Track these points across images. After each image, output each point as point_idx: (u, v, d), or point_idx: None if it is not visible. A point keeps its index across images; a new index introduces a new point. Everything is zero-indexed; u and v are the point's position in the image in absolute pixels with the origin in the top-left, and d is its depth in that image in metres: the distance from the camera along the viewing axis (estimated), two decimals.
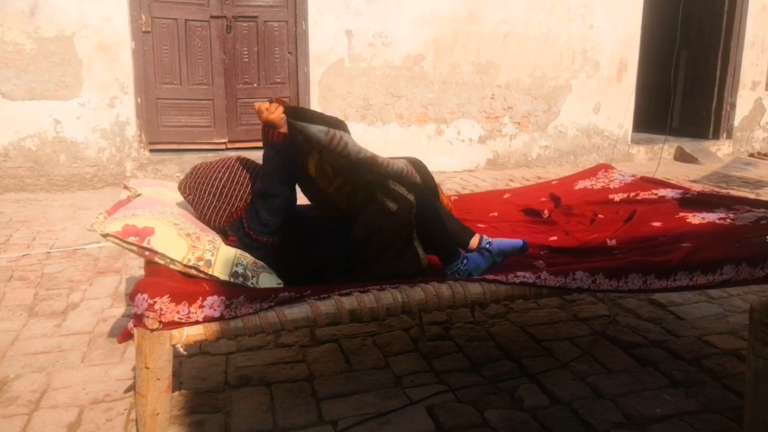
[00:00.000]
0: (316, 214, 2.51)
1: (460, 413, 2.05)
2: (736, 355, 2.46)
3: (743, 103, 7.87)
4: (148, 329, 1.63)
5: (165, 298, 1.64)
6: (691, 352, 2.48)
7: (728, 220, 2.49)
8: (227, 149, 5.93)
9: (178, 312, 1.66)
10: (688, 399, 2.14)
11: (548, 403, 2.12)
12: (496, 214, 2.99)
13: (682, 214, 2.60)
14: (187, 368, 2.35)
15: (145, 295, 1.64)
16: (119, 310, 2.92)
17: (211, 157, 5.61)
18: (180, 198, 2.26)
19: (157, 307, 1.63)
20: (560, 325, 2.74)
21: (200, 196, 2.14)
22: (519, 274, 2.02)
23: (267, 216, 2.07)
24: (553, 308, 2.92)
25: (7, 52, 5.13)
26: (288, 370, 2.35)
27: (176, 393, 2.15)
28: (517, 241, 2.31)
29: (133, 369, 2.33)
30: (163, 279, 1.78)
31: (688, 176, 6.34)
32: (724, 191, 5.21)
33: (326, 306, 1.82)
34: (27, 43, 5.16)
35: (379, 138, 6.23)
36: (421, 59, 6.26)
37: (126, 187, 2.47)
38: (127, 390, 2.20)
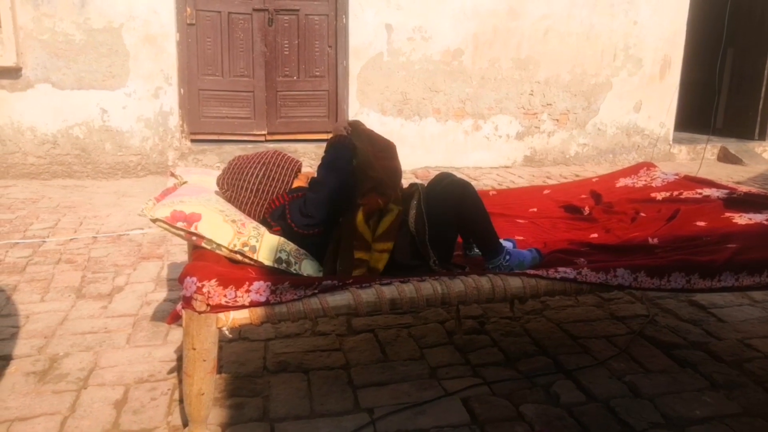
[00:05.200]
0: None
1: (495, 406, 2.06)
2: None
3: None
4: (196, 311, 1.68)
5: (213, 282, 1.69)
6: (732, 354, 2.44)
7: None
8: (266, 141, 6.01)
9: (225, 296, 1.71)
10: (728, 402, 2.11)
11: (584, 400, 2.12)
12: (535, 209, 2.98)
13: (728, 214, 2.55)
14: (227, 353, 2.41)
15: (194, 278, 1.69)
16: (162, 294, 3.01)
17: (250, 148, 5.71)
18: None
19: (205, 290, 1.68)
20: (597, 323, 2.72)
21: (237, 192, 2.19)
22: (560, 269, 2.02)
23: (312, 207, 2.11)
24: (589, 306, 2.90)
25: (57, 42, 5.29)
26: (325, 357, 2.39)
27: (216, 376, 2.20)
28: (533, 253, 2.29)
29: (176, 351, 2.41)
30: (210, 263, 1.83)
31: (731, 177, 6.18)
32: None
33: (367, 294, 1.85)
34: (77, 34, 5.32)
35: (415, 132, 6.24)
36: (460, 54, 6.24)
37: (173, 175, 2.54)
38: (171, 371, 2.27)
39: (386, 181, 2.15)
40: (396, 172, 2.24)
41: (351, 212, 2.06)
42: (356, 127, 2.27)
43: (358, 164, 2.12)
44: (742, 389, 2.19)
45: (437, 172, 2.38)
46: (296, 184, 2.27)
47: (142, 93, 5.55)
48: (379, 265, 2.07)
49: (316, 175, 2.21)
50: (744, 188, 3.02)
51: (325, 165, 2.18)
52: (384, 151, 2.24)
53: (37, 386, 2.16)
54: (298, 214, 2.11)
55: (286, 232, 2.13)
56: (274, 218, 2.17)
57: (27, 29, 5.22)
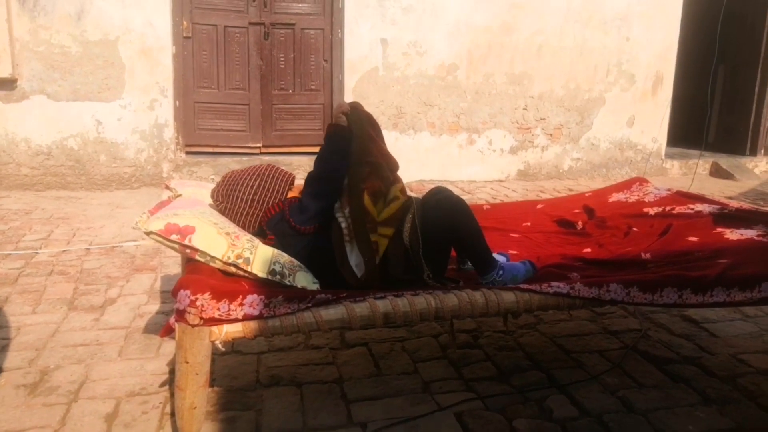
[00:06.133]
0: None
1: (489, 421, 2.06)
2: None
3: None
4: (189, 325, 1.68)
5: (206, 295, 1.69)
6: (725, 370, 2.45)
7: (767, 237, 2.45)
8: (261, 154, 6.02)
9: (218, 309, 1.70)
10: (721, 417, 2.11)
11: (577, 414, 2.11)
12: (529, 224, 2.99)
13: (719, 230, 2.57)
14: (220, 366, 2.40)
15: (188, 292, 1.69)
16: (154, 306, 2.99)
17: (245, 160, 5.72)
18: None
19: (198, 303, 1.68)
20: (590, 337, 2.73)
21: (233, 203, 2.20)
22: (553, 284, 2.03)
23: (308, 200, 2.16)
24: (583, 320, 2.90)
25: (54, 54, 5.30)
26: (318, 371, 2.38)
27: (209, 390, 2.19)
28: (526, 266, 2.31)
29: (168, 364, 2.40)
30: (204, 276, 1.83)
31: (723, 192, 6.23)
32: (762, 208, 5.10)
33: (361, 308, 1.85)
34: (73, 46, 5.34)
35: (410, 146, 6.27)
36: (454, 69, 6.29)
37: (167, 188, 2.54)
38: (162, 384, 2.26)
39: (384, 164, 2.19)
40: (390, 154, 2.29)
41: (356, 198, 2.10)
42: (356, 108, 2.27)
43: (354, 151, 2.15)
44: (734, 404, 2.19)
45: (432, 186, 2.40)
46: (290, 195, 2.28)
47: (138, 105, 5.56)
48: (380, 250, 2.11)
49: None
50: (735, 203, 3.04)
51: (320, 158, 2.22)
52: (380, 137, 2.30)
53: (28, 399, 2.14)
54: (297, 212, 2.16)
55: (282, 239, 2.14)
56: (270, 226, 2.18)
57: (23, 41, 5.23)
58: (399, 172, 2.34)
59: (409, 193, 2.32)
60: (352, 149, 2.16)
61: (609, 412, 2.12)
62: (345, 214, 2.14)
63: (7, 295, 3.07)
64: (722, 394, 2.25)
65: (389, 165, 2.26)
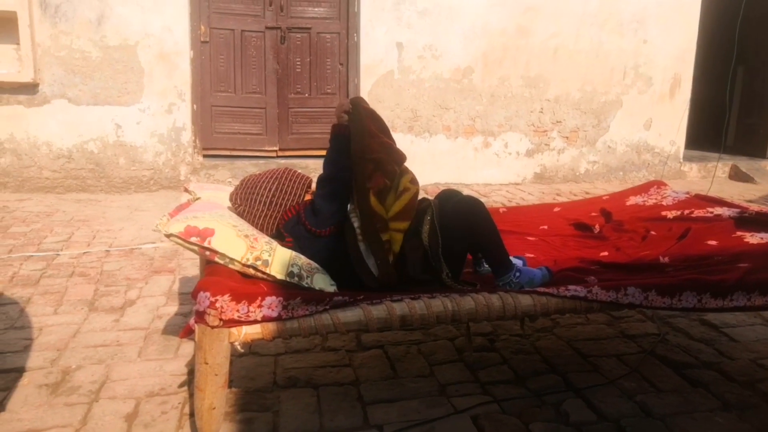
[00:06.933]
0: None
1: (505, 424, 2.05)
2: None
3: None
4: (208, 326, 1.70)
5: (226, 297, 1.71)
6: (745, 375, 2.42)
7: None
8: (278, 157, 6.06)
9: (237, 311, 1.72)
10: (741, 422, 2.09)
11: (595, 419, 2.10)
12: (546, 227, 2.98)
13: (739, 234, 2.54)
14: (237, 367, 2.42)
15: (208, 293, 1.71)
16: (173, 308, 3.03)
17: (262, 164, 5.76)
18: None
19: (218, 305, 1.70)
20: (607, 341, 2.71)
21: (251, 205, 2.23)
22: (570, 287, 2.02)
23: (320, 202, 2.17)
24: (600, 324, 2.89)
25: (74, 59, 5.39)
26: (335, 373, 2.40)
27: (227, 391, 2.21)
28: (542, 271, 2.29)
29: (187, 365, 2.42)
30: (223, 278, 1.85)
31: (743, 196, 6.15)
32: None
33: (378, 311, 1.86)
34: (93, 51, 5.42)
35: (425, 149, 6.28)
36: (470, 72, 6.29)
37: (186, 191, 2.57)
38: (182, 385, 2.28)
39: (386, 158, 2.17)
40: (395, 147, 2.25)
41: (363, 199, 2.10)
42: (357, 105, 2.22)
43: (354, 151, 2.13)
44: (754, 410, 2.17)
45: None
46: (308, 198, 2.30)
47: (156, 109, 5.63)
48: (396, 247, 2.12)
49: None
50: (755, 207, 3.01)
51: (327, 159, 2.24)
52: (384, 131, 2.26)
53: (50, 398, 2.18)
54: (311, 215, 2.18)
55: (299, 241, 2.16)
56: (287, 229, 2.20)
57: (44, 46, 5.33)
58: (416, 174, 2.33)
59: (423, 195, 2.32)
60: (351, 149, 2.14)
61: (627, 417, 2.11)
62: (358, 214, 2.15)
63: (30, 296, 3.13)
64: (742, 400, 2.23)
65: (394, 158, 2.21)
